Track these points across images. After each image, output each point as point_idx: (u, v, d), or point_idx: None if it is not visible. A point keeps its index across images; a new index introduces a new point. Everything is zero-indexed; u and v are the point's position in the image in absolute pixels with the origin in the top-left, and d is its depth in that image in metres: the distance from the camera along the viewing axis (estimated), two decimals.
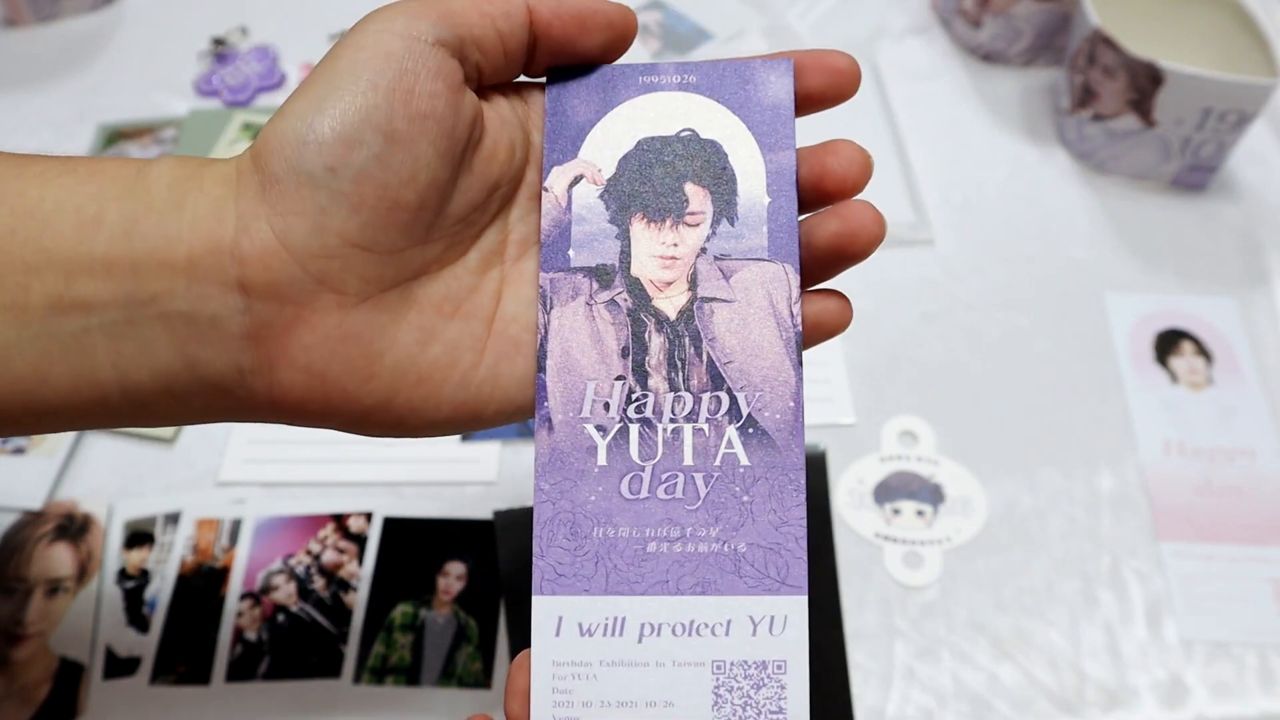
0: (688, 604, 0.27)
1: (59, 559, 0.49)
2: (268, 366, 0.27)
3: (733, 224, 0.29)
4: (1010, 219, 0.61)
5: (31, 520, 0.50)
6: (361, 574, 0.48)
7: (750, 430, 0.28)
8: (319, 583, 0.48)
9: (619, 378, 0.29)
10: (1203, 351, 0.55)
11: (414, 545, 0.49)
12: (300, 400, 0.27)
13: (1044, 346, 0.56)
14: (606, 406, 0.28)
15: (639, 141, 0.30)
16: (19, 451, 0.52)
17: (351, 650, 0.46)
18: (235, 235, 0.26)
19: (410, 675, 0.46)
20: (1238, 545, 0.49)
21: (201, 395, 0.27)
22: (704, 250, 0.29)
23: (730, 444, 0.28)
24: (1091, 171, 0.64)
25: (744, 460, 0.28)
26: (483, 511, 0.50)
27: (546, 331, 0.29)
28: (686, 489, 0.28)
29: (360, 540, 0.49)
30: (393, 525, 0.50)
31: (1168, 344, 0.55)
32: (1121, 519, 0.50)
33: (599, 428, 0.28)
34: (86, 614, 0.48)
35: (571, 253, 0.29)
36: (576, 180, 0.30)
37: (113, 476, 0.52)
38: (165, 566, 0.49)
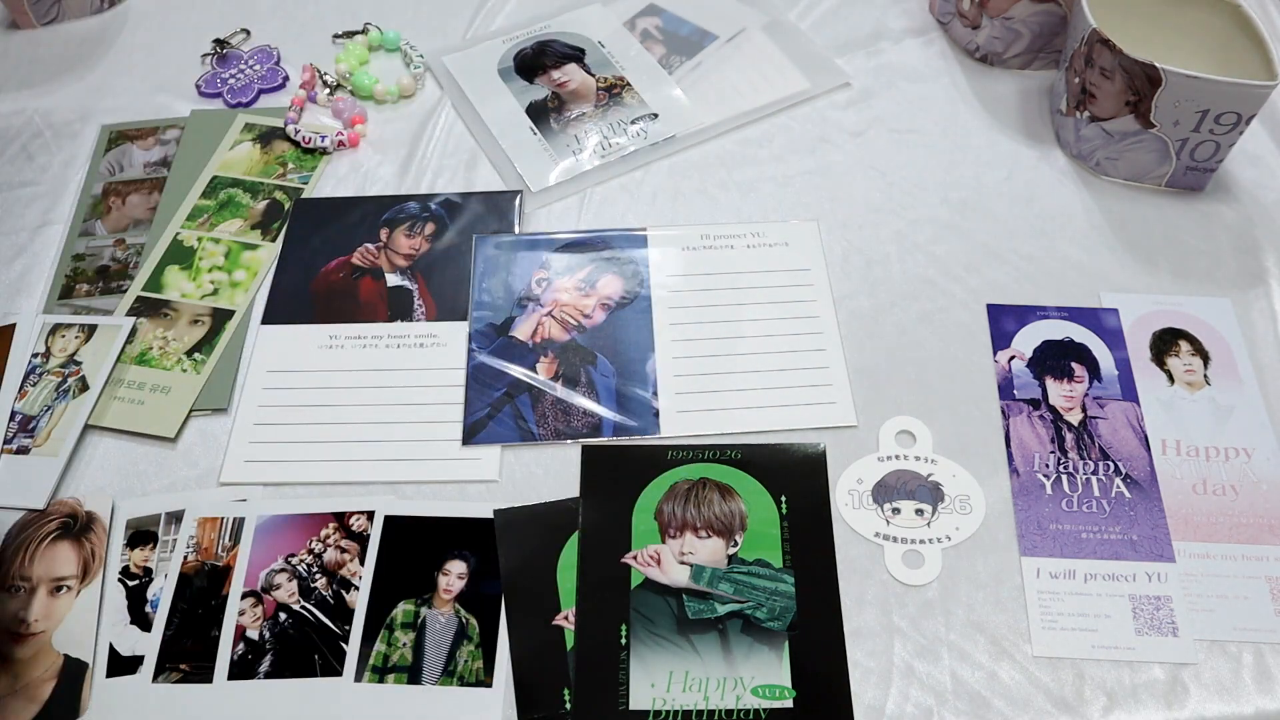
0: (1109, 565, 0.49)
1: (62, 557, 0.49)
2: None
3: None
4: (1008, 219, 0.62)
5: (35, 519, 0.50)
6: (363, 573, 0.49)
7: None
8: (321, 581, 0.49)
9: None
10: (1199, 351, 0.55)
11: (415, 544, 0.49)
12: None
13: None
14: None
15: None
16: (23, 451, 0.53)
17: (353, 649, 0.47)
18: None
19: (411, 673, 0.46)
20: (1234, 544, 0.49)
21: None
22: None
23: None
24: (1089, 172, 0.64)
25: None
26: (483, 511, 0.50)
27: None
28: None
29: (362, 539, 0.50)
30: (394, 524, 0.50)
31: (1165, 344, 0.56)
32: None
33: None
34: (89, 612, 0.48)
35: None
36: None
37: (116, 476, 0.52)
38: (168, 565, 0.49)
